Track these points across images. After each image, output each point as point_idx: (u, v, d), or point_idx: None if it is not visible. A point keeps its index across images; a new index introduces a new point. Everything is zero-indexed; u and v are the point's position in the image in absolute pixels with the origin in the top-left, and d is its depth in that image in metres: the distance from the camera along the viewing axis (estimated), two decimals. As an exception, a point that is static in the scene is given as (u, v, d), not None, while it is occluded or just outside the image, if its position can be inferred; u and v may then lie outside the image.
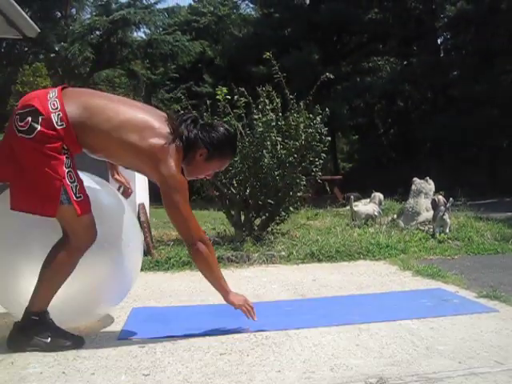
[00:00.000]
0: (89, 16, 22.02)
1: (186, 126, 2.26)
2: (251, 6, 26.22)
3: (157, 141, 2.15)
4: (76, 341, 2.21)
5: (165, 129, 2.20)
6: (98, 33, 19.51)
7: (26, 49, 21.66)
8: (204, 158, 2.31)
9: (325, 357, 2.03)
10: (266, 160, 4.79)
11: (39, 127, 2.05)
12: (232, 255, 4.31)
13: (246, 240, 4.70)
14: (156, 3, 20.53)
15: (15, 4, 5.33)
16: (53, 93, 2.15)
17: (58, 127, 2.07)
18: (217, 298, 2.86)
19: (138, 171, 2.39)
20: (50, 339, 2.15)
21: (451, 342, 2.17)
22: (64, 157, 2.10)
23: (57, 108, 2.09)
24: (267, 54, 5.09)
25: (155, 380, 1.84)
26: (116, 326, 2.50)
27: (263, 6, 22.78)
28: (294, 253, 4.47)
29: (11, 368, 1.98)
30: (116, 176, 2.64)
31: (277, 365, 1.96)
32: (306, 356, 2.05)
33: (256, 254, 4.37)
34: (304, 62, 17.23)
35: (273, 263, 4.32)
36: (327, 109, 5.16)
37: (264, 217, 5.17)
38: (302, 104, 5.04)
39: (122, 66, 21.45)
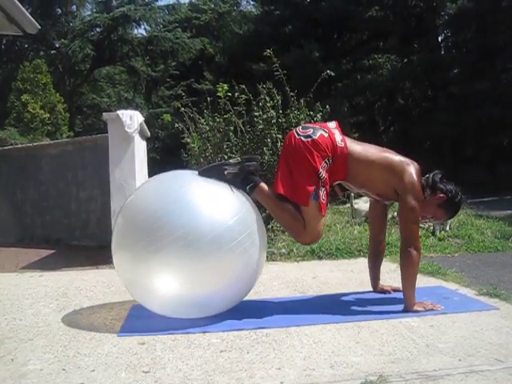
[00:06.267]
0: (89, 13, 22.07)
1: (436, 175, 2.75)
2: (252, 2, 26.25)
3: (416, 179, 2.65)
4: None
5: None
6: (98, 29, 19.53)
7: (27, 45, 21.65)
8: (438, 202, 2.71)
9: (325, 354, 2.03)
10: (266, 157, 4.79)
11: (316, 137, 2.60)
12: (232, 252, 4.30)
13: (246, 237, 4.69)
14: (156, 0, 20.54)
15: (15, 0, 5.32)
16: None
17: (338, 145, 2.62)
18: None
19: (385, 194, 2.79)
20: None
21: (451, 340, 2.17)
22: (324, 165, 2.59)
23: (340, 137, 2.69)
24: (268, 52, 5.09)
25: (155, 377, 1.84)
26: (116, 323, 2.50)
27: (264, 3, 22.72)
28: (295, 250, 4.47)
29: (11, 365, 1.98)
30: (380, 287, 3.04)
31: (277, 362, 1.96)
32: (306, 353, 2.05)
33: (256, 252, 4.36)
34: (304, 60, 17.19)
35: (273, 260, 4.32)
36: (328, 106, 5.16)
37: (264, 214, 5.16)
38: (302, 101, 5.05)
39: (123, 63, 21.47)
